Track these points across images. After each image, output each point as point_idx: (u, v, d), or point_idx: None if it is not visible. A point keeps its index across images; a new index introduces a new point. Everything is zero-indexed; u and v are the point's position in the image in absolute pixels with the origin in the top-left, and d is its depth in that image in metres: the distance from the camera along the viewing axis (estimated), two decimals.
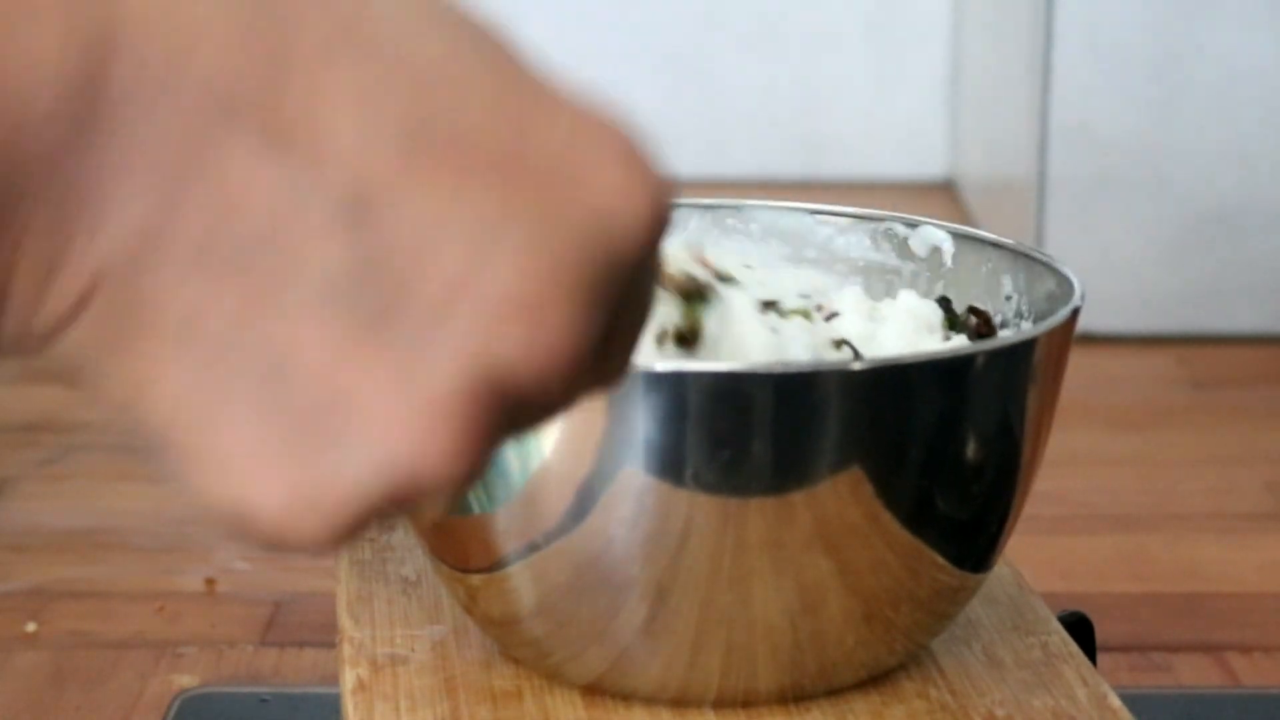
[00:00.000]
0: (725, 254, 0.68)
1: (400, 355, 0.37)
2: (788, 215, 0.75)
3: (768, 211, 0.75)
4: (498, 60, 0.38)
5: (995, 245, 0.71)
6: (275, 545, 0.38)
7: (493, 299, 0.36)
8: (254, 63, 0.36)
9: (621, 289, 0.38)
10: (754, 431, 0.58)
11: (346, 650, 0.67)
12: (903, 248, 0.74)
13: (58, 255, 0.36)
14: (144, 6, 0.35)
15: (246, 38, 0.36)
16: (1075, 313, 0.63)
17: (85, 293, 0.37)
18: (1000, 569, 0.72)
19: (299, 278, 0.36)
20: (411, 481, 0.37)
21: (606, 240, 0.37)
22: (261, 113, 0.36)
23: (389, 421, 0.37)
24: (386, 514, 0.38)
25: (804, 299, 0.69)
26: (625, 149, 0.38)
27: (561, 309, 0.37)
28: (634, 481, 0.58)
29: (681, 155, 2.07)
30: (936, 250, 0.73)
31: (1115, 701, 0.65)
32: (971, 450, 0.61)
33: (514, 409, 0.38)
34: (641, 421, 0.58)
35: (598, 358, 0.39)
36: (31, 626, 1.03)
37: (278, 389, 0.37)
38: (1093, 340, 1.52)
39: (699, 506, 0.59)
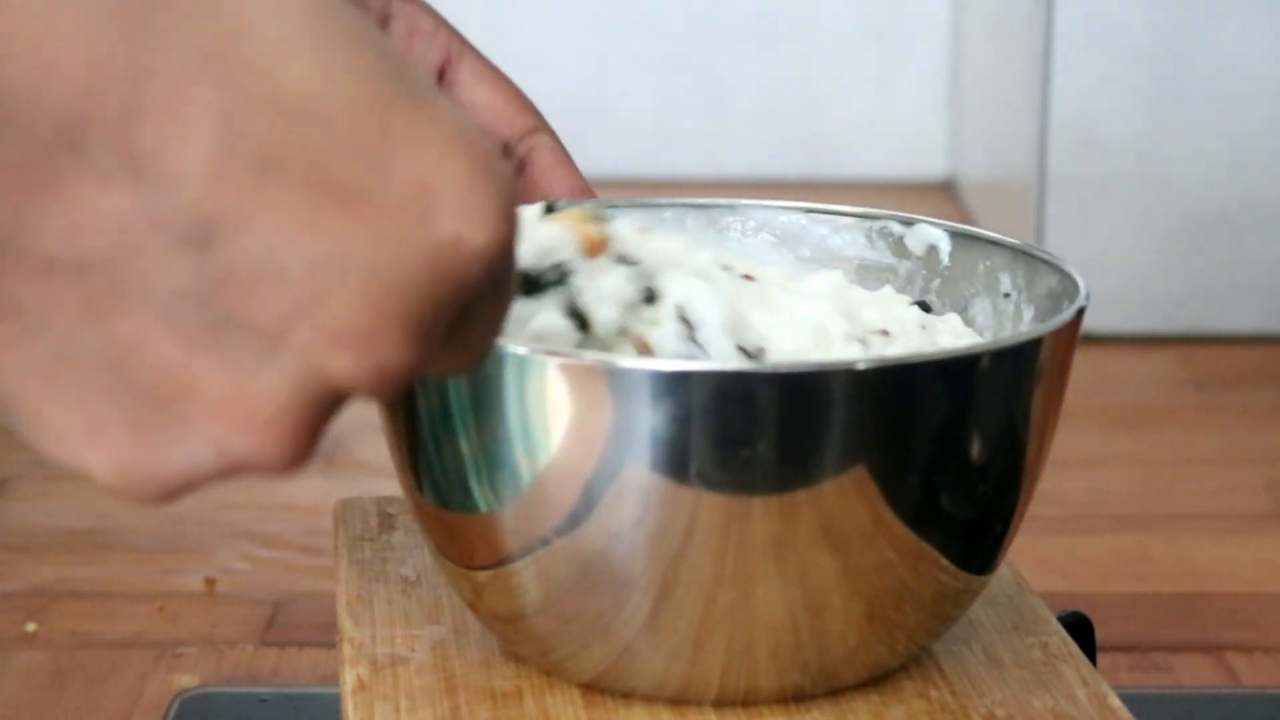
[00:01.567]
0: (670, 238, 0.68)
1: (238, 363, 0.40)
2: (782, 214, 0.75)
3: (762, 210, 0.75)
4: (370, 86, 0.39)
5: (993, 243, 0.71)
6: (115, 496, 0.42)
7: (326, 329, 0.39)
8: (110, 91, 0.38)
9: (464, 305, 0.41)
10: (759, 430, 0.58)
11: (346, 650, 0.67)
12: (899, 246, 0.74)
13: None
14: (7, 33, 0.37)
15: (106, 66, 0.38)
16: (1081, 311, 0.63)
17: None
18: (1000, 569, 0.72)
19: (145, 292, 0.39)
20: (239, 469, 0.41)
21: (449, 270, 0.40)
22: (114, 140, 0.38)
23: (222, 420, 0.40)
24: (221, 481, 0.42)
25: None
26: (477, 176, 0.40)
27: (392, 338, 0.40)
28: (639, 479, 0.58)
29: (681, 155, 2.08)
30: (933, 249, 0.73)
31: (1115, 701, 0.65)
32: (977, 450, 0.61)
33: (351, 398, 0.41)
34: (647, 420, 0.58)
35: (448, 349, 0.42)
36: (31, 626, 1.03)
37: (120, 377, 0.40)
38: (1093, 340, 1.52)
39: (703, 504, 0.59)
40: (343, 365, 0.40)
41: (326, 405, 0.41)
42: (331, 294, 0.39)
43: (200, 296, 0.39)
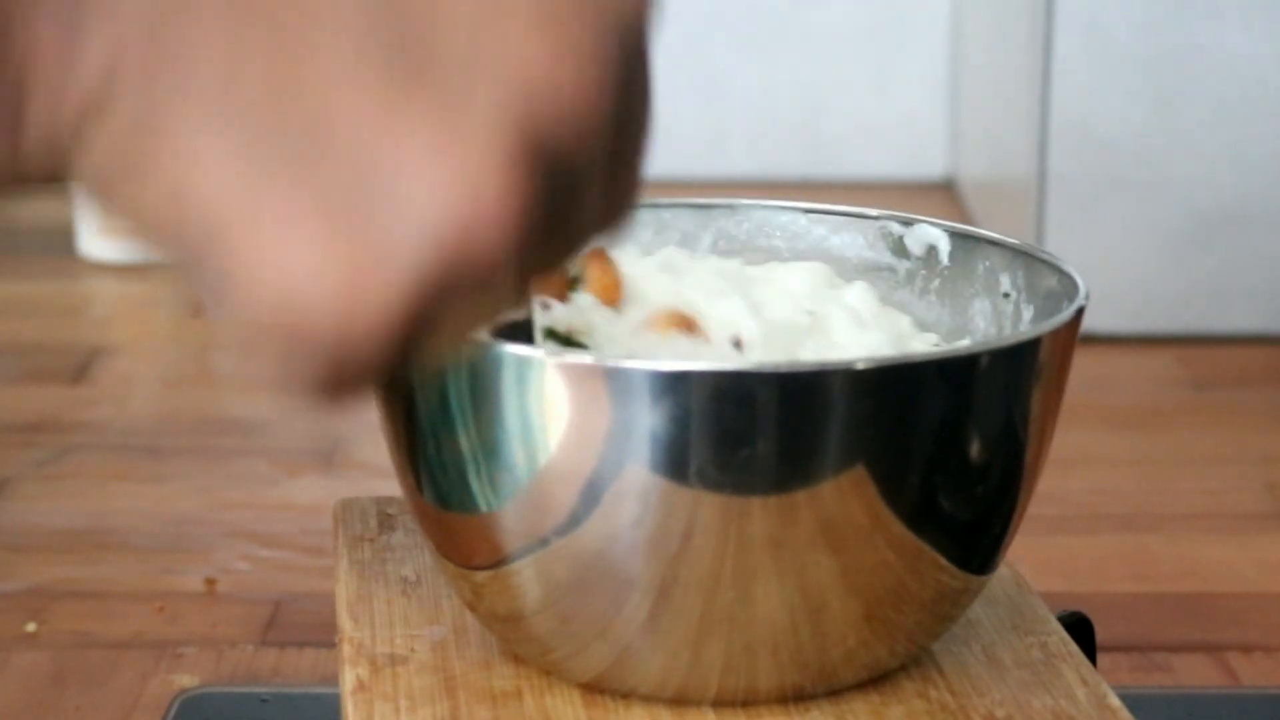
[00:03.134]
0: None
1: (439, 109, 0.36)
2: (782, 214, 0.75)
3: (761, 210, 0.75)
4: None
5: (993, 243, 0.71)
6: (332, 344, 0.36)
7: (523, 41, 0.36)
8: None
9: (631, 61, 0.38)
10: (758, 430, 0.58)
11: (346, 650, 0.67)
12: (899, 246, 0.74)
13: (75, 22, 0.35)
14: None
15: None
16: (1080, 311, 0.63)
17: (112, 59, 0.36)
18: (1000, 569, 0.72)
19: (325, 30, 0.35)
20: (468, 239, 0.36)
21: (622, 11, 0.37)
22: None
23: (438, 176, 0.36)
24: (446, 298, 0.36)
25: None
26: None
27: (583, 58, 0.36)
28: (638, 479, 0.58)
29: (681, 155, 2.08)
30: (933, 249, 0.73)
31: (1115, 701, 0.65)
32: (976, 450, 0.61)
33: (555, 172, 0.37)
34: (646, 419, 0.58)
35: (609, 180, 0.38)
36: (31, 626, 1.03)
37: (320, 158, 0.36)
38: (1093, 340, 1.52)
39: (702, 504, 0.59)
40: (543, 85, 0.36)
41: (536, 151, 0.36)
42: (520, 18, 0.36)
43: (385, 28, 0.36)
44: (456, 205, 0.36)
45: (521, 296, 0.39)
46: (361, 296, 0.36)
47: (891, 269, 0.74)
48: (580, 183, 0.38)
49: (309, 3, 0.36)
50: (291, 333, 0.36)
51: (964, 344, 0.69)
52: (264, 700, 0.95)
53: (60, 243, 1.73)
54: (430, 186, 0.36)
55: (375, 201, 0.36)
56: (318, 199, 0.36)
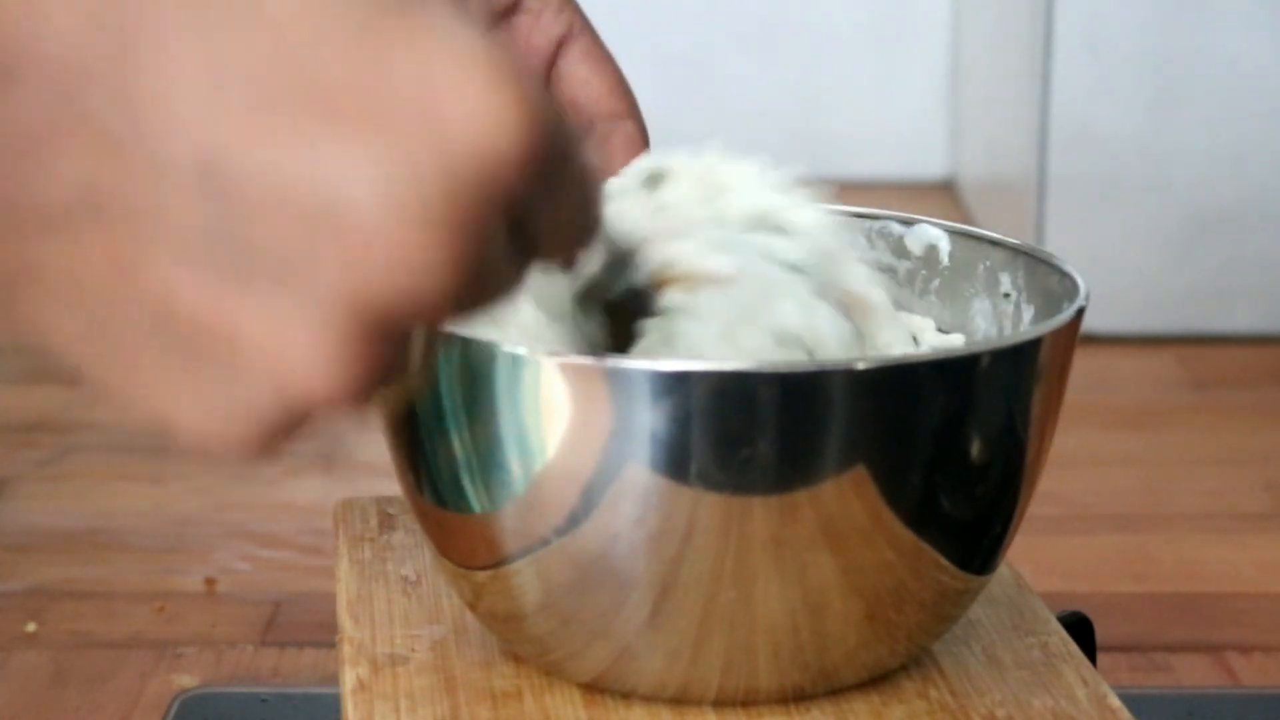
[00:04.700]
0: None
1: (274, 300, 0.39)
2: None
3: None
4: (354, 4, 0.39)
5: (993, 243, 0.71)
6: (204, 456, 0.41)
7: (353, 233, 0.39)
8: (102, 39, 0.38)
9: (505, 207, 0.40)
10: (759, 430, 0.58)
11: (346, 650, 0.67)
12: (899, 246, 0.74)
13: None
14: None
15: (95, 13, 0.38)
16: (1080, 311, 0.63)
17: None
18: (1000, 569, 0.72)
19: (164, 235, 0.39)
20: (310, 403, 0.40)
21: (470, 173, 0.39)
22: (113, 91, 0.38)
23: (272, 363, 0.39)
24: (304, 428, 0.41)
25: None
26: (488, 75, 0.39)
27: (423, 233, 0.39)
28: (638, 479, 0.58)
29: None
30: (933, 248, 0.73)
31: (1115, 701, 0.65)
32: (977, 450, 0.61)
33: (402, 321, 0.40)
34: (647, 419, 0.58)
35: (526, 251, 0.42)
36: (31, 626, 1.03)
37: (166, 332, 0.40)
38: (1093, 340, 1.52)
39: (703, 504, 0.59)
40: (377, 266, 0.39)
41: (380, 327, 0.40)
42: (352, 198, 0.38)
43: (219, 235, 0.39)
44: (292, 381, 0.40)
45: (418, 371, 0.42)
46: (218, 438, 0.41)
47: (891, 269, 0.74)
48: (439, 317, 0.41)
49: (148, 202, 0.39)
50: (168, 438, 0.41)
51: (964, 344, 0.69)
52: (264, 700, 0.95)
53: None
54: (268, 365, 0.40)
55: (220, 369, 0.40)
56: (169, 362, 0.40)
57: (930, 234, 0.73)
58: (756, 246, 0.64)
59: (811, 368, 0.59)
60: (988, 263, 0.71)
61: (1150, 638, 1.04)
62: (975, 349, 0.61)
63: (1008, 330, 0.70)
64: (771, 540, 0.59)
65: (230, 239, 0.39)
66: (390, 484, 0.68)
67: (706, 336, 0.61)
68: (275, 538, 1.15)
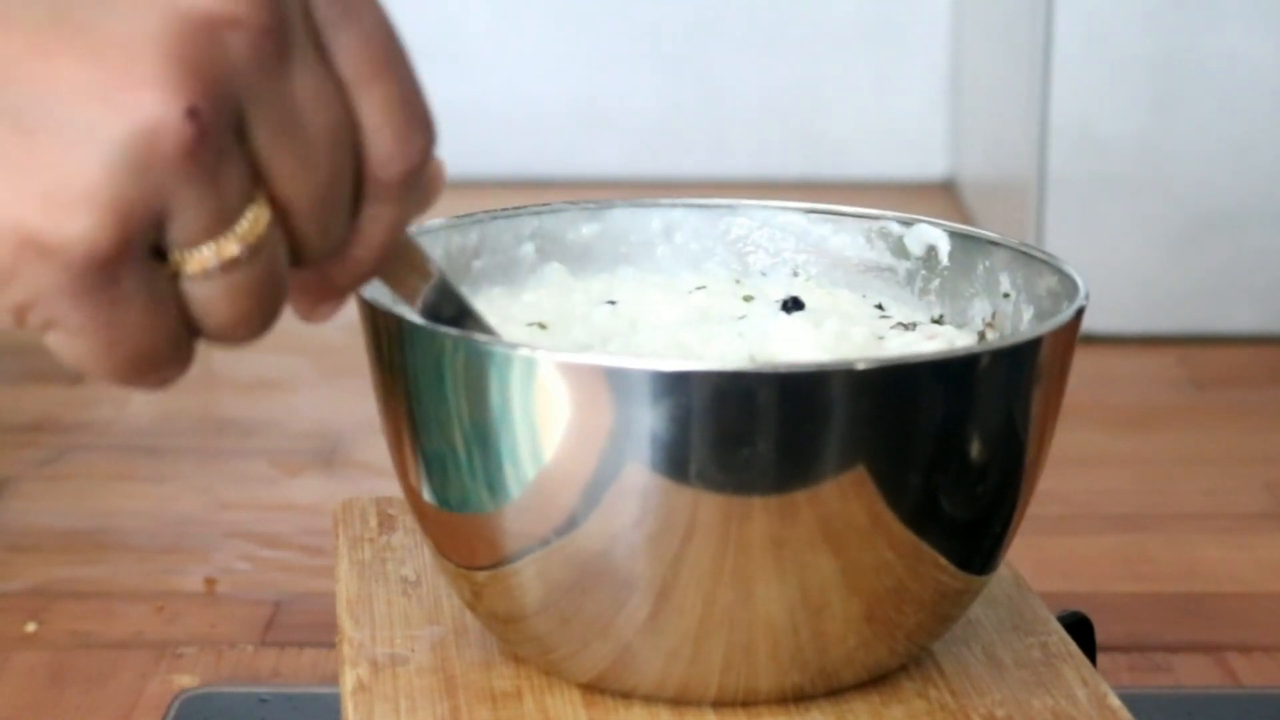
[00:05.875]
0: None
1: (90, 44, 0.37)
2: (782, 214, 0.75)
3: (762, 210, 0.75)
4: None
5: (993, 243, 0.71)
6: (59, 261, 0.38)
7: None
8: None
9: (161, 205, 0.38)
10: (758, 430, 0.58)
11: (346, 650, 0.67)
12: (898, 246, 0.74)
13: None
14: None
15: None
16: (1080, 311, 0.63)
17: None
18: (1000, 569, 0.72)
19: None
20: (158, 137, 0.38)
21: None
22: None
23: (104, 90, 0.37)
24: (156, 204, 0.38)
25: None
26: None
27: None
28: (638, 479, 0.58)
29: (681, 155, 2.08)
30: (933, 249, 0.73)
31: (1115, 701, 0.65)
32: (976, 450, 0.61)
33: (232, 55, 0.38)
34: (646, 420, 0.58)
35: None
36: (31, 626, 1.03)
37: None
38: (1093, 340, 1.52)
39: (703, 504, 0.59)
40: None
41: (202, 39, 0.38)
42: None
43: None
44: (132, 114, 0.37)
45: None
46: (63, 220, 0.38)
47: (891, 269, 0.74)
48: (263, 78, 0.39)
49: None
50: (16, 258, 0.38)
51: (964, 344, 0.69)
52: (264, 700, 0.95)
53: None
54: (98, 106, 0.37)
55: (47, 135, 0.37)
56: None
57: (930, 234, 0.73)
58: None
59: (811, 368, 0.59)
60: (987, 263, 0.71)
61: (1150, 638, 1.04)
62: (975, 349, 0.61)
63: (1007, 330, 0.70)
64: (771, 540, 0.59)
65: None
66: (390, 484, 0.68)
67: None
68: (275, 538, 1.15)
